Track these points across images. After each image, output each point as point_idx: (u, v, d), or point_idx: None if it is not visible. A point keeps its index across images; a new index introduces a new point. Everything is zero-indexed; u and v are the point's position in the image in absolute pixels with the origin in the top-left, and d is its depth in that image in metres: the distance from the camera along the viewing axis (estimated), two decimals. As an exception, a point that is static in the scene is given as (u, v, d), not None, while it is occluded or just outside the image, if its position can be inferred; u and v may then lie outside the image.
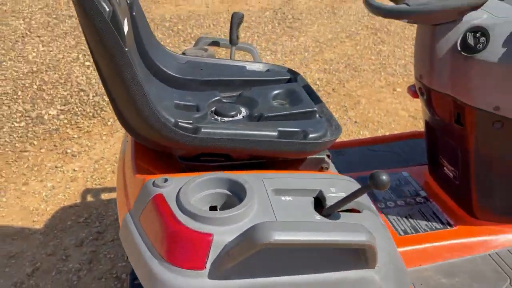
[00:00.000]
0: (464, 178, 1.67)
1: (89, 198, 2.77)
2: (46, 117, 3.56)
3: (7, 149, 3.18)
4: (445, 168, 1.79)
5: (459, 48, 1.40)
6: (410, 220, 1.74)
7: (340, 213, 1.15)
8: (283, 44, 4.94)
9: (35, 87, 3.98)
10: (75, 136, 3.36)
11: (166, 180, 1.13)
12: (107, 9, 1.04)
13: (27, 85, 4.01)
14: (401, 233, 1.68)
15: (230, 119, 1.39)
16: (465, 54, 1.39)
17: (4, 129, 3.40)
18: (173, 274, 1.00)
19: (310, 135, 1.27)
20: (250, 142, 1.20)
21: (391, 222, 1.73)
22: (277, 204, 1.11)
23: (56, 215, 2.64)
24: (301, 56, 4.67)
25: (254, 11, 5.90)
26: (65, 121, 3.53)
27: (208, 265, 0.99)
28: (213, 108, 1.43)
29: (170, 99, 1.42)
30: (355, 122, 3.56)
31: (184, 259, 1.00)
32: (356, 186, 1.27)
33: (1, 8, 5.85)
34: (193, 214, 1.03)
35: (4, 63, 4.39)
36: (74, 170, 3.01)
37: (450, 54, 1.43)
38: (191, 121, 1.27)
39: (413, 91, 1.74)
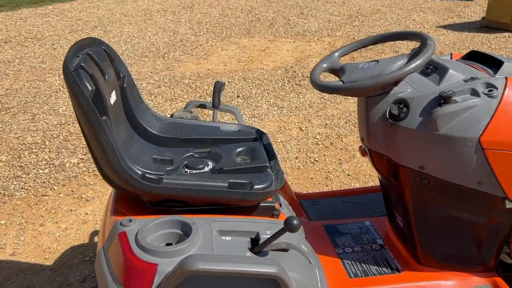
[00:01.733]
0: (409, 228, 1.88)
1: (96, 239, 3.08)
2: (67, 165, 3.97)
3: (30, 193, 3.57)
4: (397, 218, 2.01)
5: (387, 116, 1.68)
6: (363, 264, 1.95)
7: (270, 251, 1.40)
8: (290, 100, 5.30)
9: (61, 137, 4.44)
10: (91, 182, 3.73)
11: (130, 221, 1.42)
12: (90, 88, 1.38)
13: (54, 135, 4.48)
14: (352, 276, 1.89)
15: (198, 171, 1.69)
16: (391, 122, 1.66)
17: (30, 175, 3.81)
18: None
19: (255, 186, 1.55)
20: (203, 191, 1.49)
21: (345, 266, 1.94)
22: (217, 242, 1.38)
23: (66, 254, 2.95)
24: (306, 112, 4.99)
25: (267, 70, 6.34)
26: (84, 168, 3.92)
27: None
28: (185, 162, 1.74)
29: (149, 154, 1.74)
30: (348, 174, 3.79)
31: (135, 284, 1.27)
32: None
33: (41, 66, 6.53)
34: (145, 248, 1.31)
35: (37, 115, 4.91)
36: (86, 213, 3.34)
37: (381, 121, 1.70)
38: (161, 173, 1.57)
39: (363, 151, 2.00)
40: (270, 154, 1.82)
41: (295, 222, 1.28)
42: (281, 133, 4.54)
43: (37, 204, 3.45)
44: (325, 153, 4.14)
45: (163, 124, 1.95)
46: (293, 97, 5.38)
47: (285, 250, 1.43)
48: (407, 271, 1.91)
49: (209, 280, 1.26)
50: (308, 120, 4.81)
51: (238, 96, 5.41)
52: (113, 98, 1.61)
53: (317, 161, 4.03)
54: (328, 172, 3.86)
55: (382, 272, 1.91)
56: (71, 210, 3.39)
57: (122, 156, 1.43)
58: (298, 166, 3.95)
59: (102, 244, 1.49)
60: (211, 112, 4.90)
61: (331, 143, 4.31)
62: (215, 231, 1.43)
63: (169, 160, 1.74)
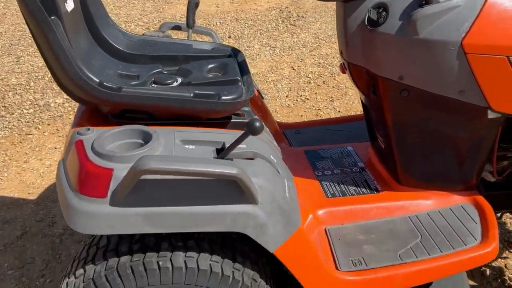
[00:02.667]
0: (388, 147, 1.81)
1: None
2: (52, 105, 3.89)
3: (14, 132, 3.51)
4: (378, 139, 1.94)
5: (365, 23, 1.56)
6: (341, 185, 1.89)
7: (235, 159, 1.33)
8: (284, 40, 5.13)
9: (46, 79, 4.33)
10: (77, 121, 3.66)
11: (88, 129, 1.35)
12: None
13: (39, 77, 4.37)
14: (329, 195, 1.84)
15: (165, 86, 1.60)
16: (370, 28, 1.55)
17: (14, 115, 3.74)
18: (81, 201, 1.21)
19: (223, 97, 1.46)
20: (166, 100, 1.40)
21: (323, 187, 1.88)
22: (180, 151, 1.31)
23: (49, 189, 2.92)
24: (299, 51, 4.83)
25: (261, 10, 6.11)
26: (69, 108, 3.83)
27: (109, 194, 1.19)
28: (153, 78, 1.64)
29: (114, 69, 1.64)
30: (339, 111, 3.70)
31: (90, 189, 1.21)
32: (259, 142, 1.45)
33: (26, 9, 6.30)
34: (101, 154, 1.24)
35: (22, 58, 4.78)
36: (71, 150, 3.29)
37: (359, 29, 1.59)
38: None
39: (342, 67, 1.90)
40: (244, 69, 1.72)
41: (257, 124, 1.20)
42: (272, 73, 4.41)
43: (21, 143, 3.39)
44: (316, 91, 4.03)
45: (131, 41, 1.84)
46: (286, 37, 5.20)
47: (252, 159, 1.36)
48: (386, 191, 1.86)
49: (166, 184, 1.20)
50: (301, 59, 4.66)
51: (229, 37, 5.23)
52: (69, 5, 1.50)
53: (308, 99, 3.93)
54: (319, 109, 3.77)
55: (360, 192, 1.86)
56: (55, 148, 3.34)
57: (76, 61, 1.33)
58: (288, 105, 3.86)
59: (61, 158, 1.42)
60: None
61: (323, 82, 4.19)
62: (178, 140, 1.35)
63: (136, 75, 1.64)
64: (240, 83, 1.59)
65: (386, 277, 1.53)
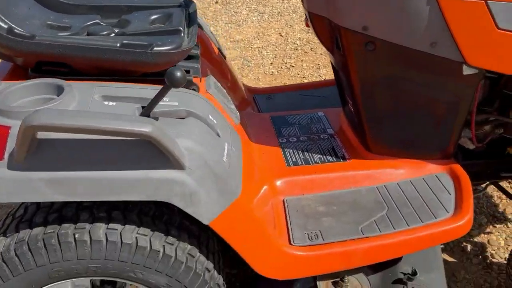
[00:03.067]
0: (357, 111, 1.62)
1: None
2: None
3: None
4: (349, 103, 1.75)
5: (325, -35, 1.36)
6: (305, 153, 1.72)
7: (163, 118, 1.16)
8: (273, 5, 4.87)
9: None
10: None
11: None
12: None
13: None
14: (291, 164, 1.66)
15: (92, 37, 1.41)
16: (330, -29, 1.35)
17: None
18: None
19: (156, 48, 1.28)
20: (86, 50, 1.22)
21: (285, 155, 1.71)
22: (96, 107, 1.14)
23: None
24: (288, 17, 4.59)
25: (252, -25, 5.83)
26: None
27: (6, 155, 1.03)
28: (87, 30, 1.45)
29: (42, 19, 1.45)
30: (325, 79, 3.49)
31: (-13, 151, 1.05)
32: (196, 100, 1.27)
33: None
34: None
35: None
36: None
37: (319, -28, 1.39)
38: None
39: (307, 20, 1.70)
40: (192, 20, 1.53)
41: (177, 74, 1.02)
42: (258, 39, 4.19)
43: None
44: (303, 58, 3.82)
45: None
46: (276, 3, 4.94)
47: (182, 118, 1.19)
48: (354, 159, 1.68)
49: (74, 144, 1.04)
50: (290, 25, 4.42)
51: (216, 2, 4.98)
52: None
53: (293, 66, 3.72)
54: (304, 77, 3.56)
55: (325, 161, 1.68)
56: None
57: None
58: (272, 72, 3.66)
59: None
60: None
61: (311, 49, 3.97)
62: (97, 96, 1.18)
63: (68, 26, 1.45)
64: (182, 34, 1.40)
65: (344, 252, 1.37)
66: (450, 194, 1.53)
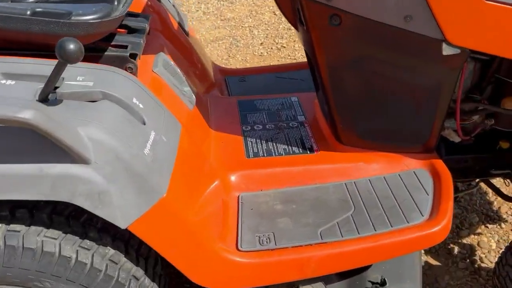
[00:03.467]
0: (326, 96, 1.42)
1: None
2: None
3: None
4: (320, 89, 1.55)
5: None
6: (269, 143, 1.53)
7: (70, 101, 0.97)
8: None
9: None
10: None
11: None
12: None
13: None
14: (250, 155, 1.47)
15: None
16: None
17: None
18: None
19: (75, 17, 1.08)
20: None
21: (246, 144, 1.52)
22: None
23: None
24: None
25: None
26: None
27: None
28: None
29: None
30: (316, 61, 3.27)
31: None
32: (118, 80, 1.08)
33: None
34: None
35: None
36: None
37: None
38: None
39: (273, -8, 1.48)
40: None
41: (69, 46, 0.83)
42: (250, 18, 3.96)
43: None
44: (296, 38, 3.58)
45: None
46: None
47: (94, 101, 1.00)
48: (323, 151, 1.49)
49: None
50: None
51: (210, -21, 4.74)
52: None
53: (284, 47, 3.49)
54: (294, 59, 3.34)
55: (290, 152, 1.49)
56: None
57: None
58: (261, 53, 3.44)
59: None
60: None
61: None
62: None
63: None
64: (115, 2, 1.20)
65: (297, 260, 1.19)
66: (428, 195, 1.32)
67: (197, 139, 1.38)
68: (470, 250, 1.85)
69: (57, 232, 1.02)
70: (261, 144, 1.53)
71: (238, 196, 1.39)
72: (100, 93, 1.00)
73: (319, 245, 1.21)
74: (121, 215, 0.97)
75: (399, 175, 1.41)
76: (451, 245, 1.88)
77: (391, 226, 1.24)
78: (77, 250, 1.03)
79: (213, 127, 1.58)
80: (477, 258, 1.82)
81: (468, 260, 1.81)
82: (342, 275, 1.45)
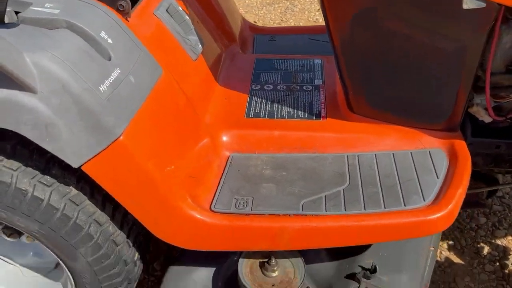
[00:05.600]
0: (337, 59, 1.25)
1: None
2: None
3: None
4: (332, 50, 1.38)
5: None
6: (275, 104, 1.40)
7: (32, 28, 0.92)
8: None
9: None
10: None
11: None
12: None
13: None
14: (250, 115, 1.36)
15: None
16: None
17: None
18: None
19: None
20: None
21: (250, 103, 1.41)
22: None
23: None
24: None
25: None
26: None
27: None
28: None
29: None
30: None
31: None
32: (90, 9, 1.01)
33: None
34: None
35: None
36: None
37: None
38: None
39: None
40: None
41: None
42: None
43: None
44: None
45: None
46: None
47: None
48: (329, 118, 1.34)
49: None
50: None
51: None
52: None
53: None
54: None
55: (294, 116, 1.36)
56: None
57: None
58: (317, 19, 3.24)
59: None
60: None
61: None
62: None
63: None
64: None
65: (269, 228, 1.08)
66: (438, 178, 1.14)
67: (191, 91, 1.30)
68: (503, 253, 1.62)
69: (16, 164, 1.01)
70: (266, 104, 1.41)
71: (229, 156, 1.29)
72: (64, 22, 0.94)
73: (296, 216, 1.09)
74: (72, 152, 0.93)
75: (410, 153, 1.24)
76: (482, 244, 1.65)
77: (384, 208, 1.09)
78: (35, 185, 1.00)
79: (220, 83, 1.49)
80: (509, 262, 1.58)
81: (497, 264, 1.58)
82: (333, 256, 1.32)
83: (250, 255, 1.20)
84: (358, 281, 1.18)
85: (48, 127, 0.89)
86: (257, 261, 1.18)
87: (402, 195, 1.11)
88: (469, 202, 1.60)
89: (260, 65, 1.63)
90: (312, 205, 1.11)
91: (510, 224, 1.72)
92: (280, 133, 1.32)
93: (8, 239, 1.32)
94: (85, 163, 0.95)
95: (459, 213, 1.76)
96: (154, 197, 1.03)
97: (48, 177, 1.03)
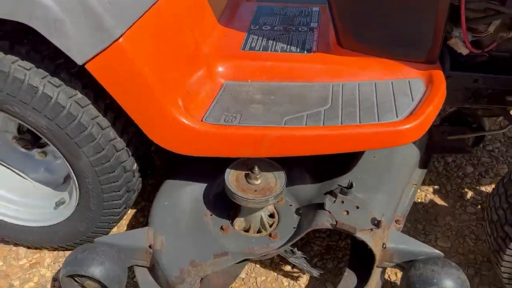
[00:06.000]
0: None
1: None
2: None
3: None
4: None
5: None
6: (270, 41, 1.50)
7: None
8: None
9: None
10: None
11: None
12: None
13: None
14: (246, 48, 1.47)
15: None
16: None
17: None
18: None
19: None
20: None
21: (247, 40, 1.51)
22: None
23: None
24: None
25: None
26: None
27: None
28: None
29: None
30: None
31: None
32: None
33: None
34: None
35: None
36: None
37: None
38: None
39: None
40: None
41: None
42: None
43: None
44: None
45: None
46: None
47: None
48: (319, 52, 1.43)
49: None
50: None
51: None
52: None
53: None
54: None
55: (286, 50, 1.45)
56: None
57: None
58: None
59: None
60: None
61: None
62: None
63: None
64: None
65: (250, 136, 1.19)
66: (413, 101, 1.23)
67: (193, 24, 1.40)
68: (486, 198, 1.69)
69: (30, 65, 1.13)
70: (262, 41, 1.51)
71: (223, 83, 1.40)
72: None
73: (276, 127, 1.19)
74: (76, 50, 1.05)
75: (391, 82, 1.32)
76: (466, 190, 1.72)
77: (359, 122, 1.18)
78: (45, 84, 1.13)
79: (221, 22, 1.60)
80: (490, 206, 1.65)
81: (479, 207, 1.65)
82: (318, 177, 1.42)
83: (236, 166, 1.31)
84: (335, 196, 1.28)
85: (56, 23, 1.01)
86: (242, 172, 1.30)
87: (378, 113, 1.20)
88: (455, 147, 1.69)
89: (261, 11, 1.73)
90: (294, 121, 1.21)
91: (496, 174, 1.78)
92: (272, 63, 1.42)
93: (22, 150, 1.47)
94: (88, 61, 1.07)
95: (447, 162, 1.85)
96: (149, 100, 1.15)
97: (57, 79, 1.15)
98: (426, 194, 1.72)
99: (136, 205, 1.71)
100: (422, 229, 1.58)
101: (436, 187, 1.74)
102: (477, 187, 1.73)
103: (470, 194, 1.71)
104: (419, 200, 1.69)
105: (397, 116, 1.18)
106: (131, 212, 1.68)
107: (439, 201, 1.69)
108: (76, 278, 1.22)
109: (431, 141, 1.64)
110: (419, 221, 1.61)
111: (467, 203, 1.67)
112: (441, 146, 1.66)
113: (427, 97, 1.21)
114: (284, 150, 1.20)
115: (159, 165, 1.81)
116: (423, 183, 1.75)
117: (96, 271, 1.16)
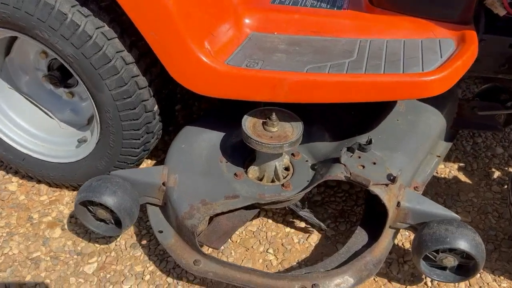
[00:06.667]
0: None
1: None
2: None
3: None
4: None
5: None
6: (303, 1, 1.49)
7: None
8: None
9: None
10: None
11: None
12: None
13: None
14: (276, 2, 1.46)
15: None
16: None
17: None
18: None
19: None
20: None
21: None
22: None
23: None
24: None
25: None
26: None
27: None
28: None
29: None
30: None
31: None
32: None
33: None
34: None
35: None
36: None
37: None
38: None
39: None
40: None
41: None
42: None
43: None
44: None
45: None
46: None
47: None
48: (349, 10, 1.40)
49: None
50: None
51: None
52: None
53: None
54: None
55: (316, 6, 1.43)
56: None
57: None
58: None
59: None
60: None
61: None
62: None
63: None
64: None
65: (269, 79, 1.17)
66: (441, 58, 1.19)
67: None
68: (513, 180, 1.61)
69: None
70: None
71: (249, 34, 1.40)
72: None
73: (295, 72, 1.18)
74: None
75: (421, 41, 1.28)
76: (493, 170, 1.66)
77: (383, 72, 1.15)
78: (74, 12, 1.16)
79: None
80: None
81: (506, 187, 1.59)
82: (335, 137, 1.40)
83: (255, 114, 1.30)
84: (352, 151, 1.25)
85: None
86: (260, 120, 1.29)
87: (403, 66, 1.17)
88: (485, 124, 1.62)
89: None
90: (316, 69, 1.20)
91: (528, 155, 1.71)
92: (300, 16, 1.41)
93: (52, 87, 1.52)
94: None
95: (476, 142, 1.78)
96: (173, 35, 1.15)
97: (86, 9, 1.18)
98: (451, 170, 1.66)
99: (157, 157, 1.73)
100: (442, 203, 1.53)
101: (461, 164, 1.68)
102: (506, 168, 1.66)
103: (497, 174, 1.64)
104: (442, 175, 1.63)
105: (422, 70, 1.14)
106: (151, 164, 1.71)
107: (463, 178, 1.63)
108: (89, 207, 1.25)
109: (460, 115, 1.59)
110: (440, 194, 1.56)
111: (493, 182, 1.61)
112: (470, 122, 1.60)
113: (456, 53, 1.16)
114: (303, 96, 1.18)
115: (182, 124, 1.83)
116: (448, 160, 1.69)
117: (109, 199, 1.18)
